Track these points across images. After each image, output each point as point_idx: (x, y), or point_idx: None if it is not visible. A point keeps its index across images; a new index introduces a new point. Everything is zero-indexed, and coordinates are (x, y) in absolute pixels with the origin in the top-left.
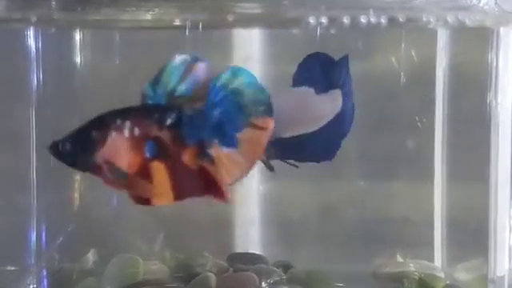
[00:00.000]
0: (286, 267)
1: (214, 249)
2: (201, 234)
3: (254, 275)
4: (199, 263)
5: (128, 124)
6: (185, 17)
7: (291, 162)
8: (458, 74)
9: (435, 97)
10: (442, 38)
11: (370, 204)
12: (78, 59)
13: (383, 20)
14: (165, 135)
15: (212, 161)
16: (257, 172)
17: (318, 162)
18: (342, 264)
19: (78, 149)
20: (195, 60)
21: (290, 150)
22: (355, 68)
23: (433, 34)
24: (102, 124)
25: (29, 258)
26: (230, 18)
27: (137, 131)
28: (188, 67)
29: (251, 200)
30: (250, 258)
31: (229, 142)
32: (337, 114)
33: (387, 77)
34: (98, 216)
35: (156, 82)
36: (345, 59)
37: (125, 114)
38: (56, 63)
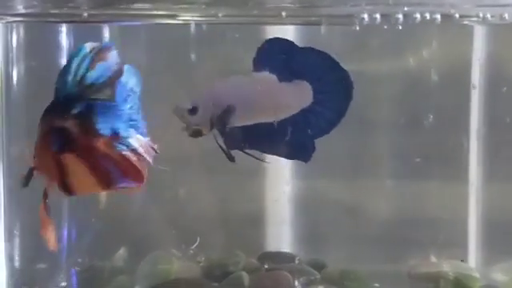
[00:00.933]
0: (320, 266)
1: (245, 248)
2: (232, 233)
3: (288, 274)
4: (232, 262)
5: (40, 121)
6: (217, 12)
7: (252, 153)
8: (495, 71)
9: (471, 95)
10: (479, 35)
11: (402, 203)
12: None
13: (438, 16)
14: (72, 125)
15: (131, 149)
16: (288, 171)
17: (291, 158)
18: (375, 264)
19: None
20: (106, 47)
21: (251, 139)
22: (390, 65)
23: (469, 31)
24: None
25: (59, 256)
26: (283, 13)
27: (44, 125)
28: (98, 55)
29: (283, 199)
30: (282, 257)
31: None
32: (310, 110)
33: (422, 74)
34: (128, 214)
35: (65, 71)
36: (310, 50)
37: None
38: None
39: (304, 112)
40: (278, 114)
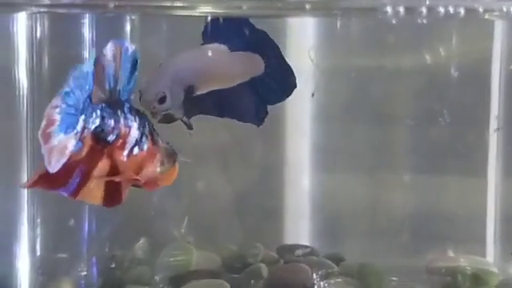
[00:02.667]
0: (338, 260)
1: (264, 240)
2: (251, 226)
3: (307, 266)
4: (251, 254)
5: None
6: (241, 4)
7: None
8: None
9: (491, 90)
10: (500, 30)
11: (421, 198)
12: None
13: (461, 10)
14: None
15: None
16: (308, 165)
17: (244, 121)
18: (393, 258)
19: None
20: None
21: (209, 106)
22: (410, 60)
23: (490, 26)
24: None
25: (80, 246)
26: (308, 5)
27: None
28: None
29: (301, 192)
30: (300, 250)
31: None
32: (262, 79)
33: (441, 69)
34: (148, 205)
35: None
36: (264, 33)
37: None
38: None
39: (255, 80)
40: (231, 82)
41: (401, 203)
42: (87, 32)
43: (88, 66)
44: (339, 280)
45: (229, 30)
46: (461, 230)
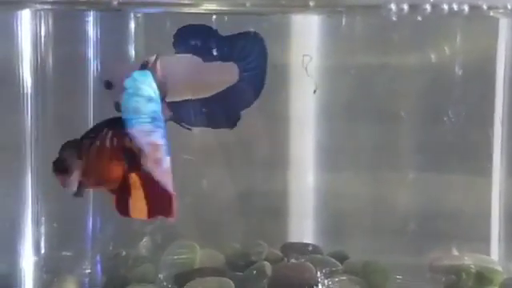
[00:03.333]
0: (342, 258)
1: (268, 238)
2: (255, 224)
3: (311, 265)
4: (255, 252)
5: (110, 134)
6: (244, 2)
7: (185, 125)
8: None
9: (495, 88)
10: (504, 27)
11: (425, 196)
12: (132, 46)
13: (465, 7)
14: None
15: None
16: (311, 163)
17: (217, 128)
18: (397, 256)
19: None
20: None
21: (185, 113)
22: (414, 58)
23: (494, 23)
24: (93, 133)
25: (84, 244)
26: (311, 2)
27: (115, 141)
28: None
29: (305, 191)
30: (304, 248)
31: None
32: (235, 85)
33: (446, 68)
34: None
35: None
36: (239, 35)
37: (110, 123)
38: (113, 50)
39: (230, 88)
40: (204, 92)
41: (405, 201)
42: (91, 30)
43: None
44: (343, 278)
45: (198, 39)
46: (465, 228)
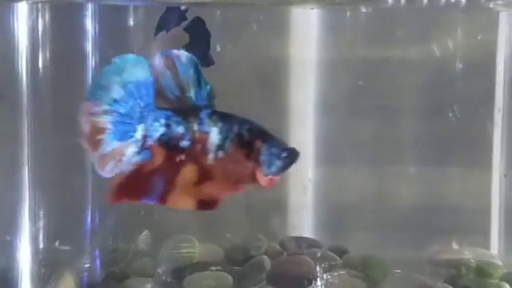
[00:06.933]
0: (341, 252)
1: (267, 233)
2: (255, 218)
3: (310, 259)
4: (254, 246)
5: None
6: None
7: None
8: None
9: (496, 82)
10: (504, 21)
11: (425, 190)
12: (132, 41)
13: None
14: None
15: None
16: (312, 157)
17: None
18: (397, 250)
19: None
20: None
21: None
22: (414, 52)
23: (494, 17)
24: None
25: (83, 238)
26: None
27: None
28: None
29: (305, 185)
30: (303, 243)
31: None
32: None
33: (446, 62)
34: None
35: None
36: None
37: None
38: (112, 45)
39: None
40: None
41: (405, 195)
42: (89, 24)
43: (139, 75)
44: (343, 272)
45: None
46: (465, 222)
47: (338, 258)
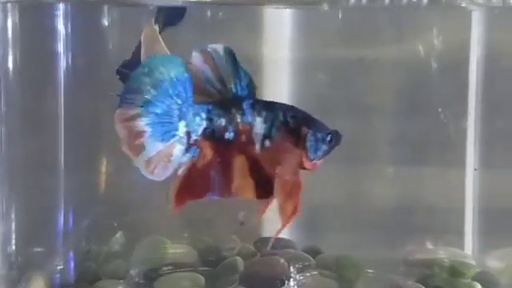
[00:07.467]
0: (315, 253)
1: (242, 233)
2: (228, 218)
3: (283, 260)
4: (227, 247)
5: None
6: None
7: None
8: (493, 58)
9: (469, 81)
10: (477, 21)
11: (400, 190)
12: (106, 41)
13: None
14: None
15: None
16: None
17: None
18: (371, 250)
19: None
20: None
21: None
22: (389, 51)
23: (467, 17)
24: None
25: (56, 240)
26: None
27: None
28: None
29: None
30: (277, 243)
31: None
32: None
33: (420, 61)
34: (125, 199)
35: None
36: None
37: None
38: (84, 45)
39: None
40: None
41: (379, 195)
42: (61, 24)
43: (173, 72)
44: (315, 273)
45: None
46: (439, 222)
47: (312, 259)
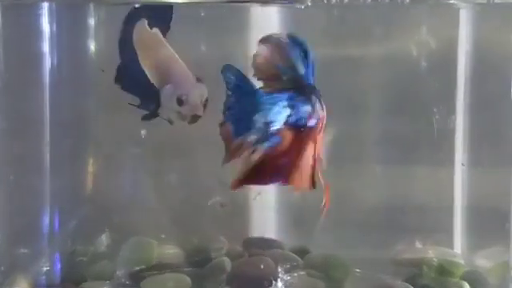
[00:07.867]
0: (303, 252)
1: (229, 233)
2: (216, 219)
3: (270, 260)
4: (215, 248)
5: None
6: None
7: None
8: (481, 56)
9: (457, 80)
10: (465, 19)
11: (388, 189)
12: (92, 41)
13: None
14: None
15: None
16: None
17: None
18: (360, 250)
19: None
20: None
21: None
22: (376, 50)
23: (455, 15)
24: None
25: (42, 241)
26: None
27: None
28: None
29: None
30: (265, 243)
31: None
32: None
33: (408, 59)
34: (111, 199)
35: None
36: None
37: None
38: (70, 45)
39: None
40: None
41: (368, 194)
42: (46, 23)
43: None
44: (303, 273)
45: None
46: (428, 221)
47: (299, 259)
